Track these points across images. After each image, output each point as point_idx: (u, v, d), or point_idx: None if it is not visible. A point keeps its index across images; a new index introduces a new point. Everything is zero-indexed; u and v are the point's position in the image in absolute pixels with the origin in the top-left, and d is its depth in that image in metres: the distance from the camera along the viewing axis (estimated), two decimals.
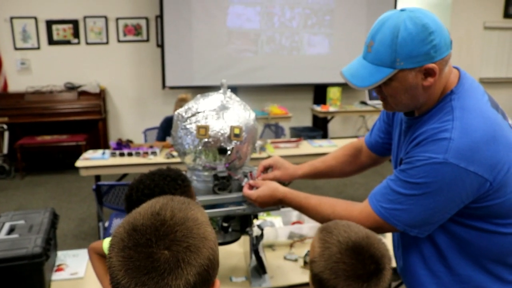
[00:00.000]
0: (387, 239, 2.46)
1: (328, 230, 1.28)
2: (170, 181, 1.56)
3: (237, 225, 1.99)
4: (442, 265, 1.51)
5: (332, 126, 8.06)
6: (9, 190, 6.02)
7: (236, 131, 1.82)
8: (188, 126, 1.85)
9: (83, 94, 6.84)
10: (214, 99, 1.90)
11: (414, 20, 1.33)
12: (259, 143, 4.55)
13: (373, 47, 1.39)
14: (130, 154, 4.34)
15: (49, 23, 6.90)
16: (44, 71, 6.97)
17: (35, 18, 6.84)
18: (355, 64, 1.46)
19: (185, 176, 1.63)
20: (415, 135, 1.45)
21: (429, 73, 1.36)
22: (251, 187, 1.83)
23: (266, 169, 1.95)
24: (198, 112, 1.85)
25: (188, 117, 1.86)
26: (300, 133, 6.69)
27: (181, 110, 1.91)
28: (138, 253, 0.80)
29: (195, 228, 0.86)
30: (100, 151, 4.55)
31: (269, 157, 4.37)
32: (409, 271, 1.62)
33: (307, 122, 8.01)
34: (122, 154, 4.35)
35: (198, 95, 1.95)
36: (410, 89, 1.39)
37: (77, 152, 5.61)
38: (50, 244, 2.10)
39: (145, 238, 0.81)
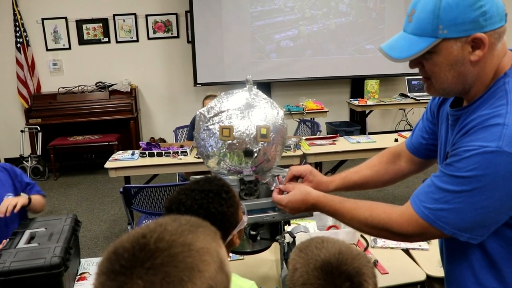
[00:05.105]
0: (432, 245, 2.30)
1: (300, 249, 1.17)
2: (213, 197, 1.38)
3: (266, 232, 1.84)
4: (495, 279, 1.29)
5: (370, 121, 7.87)
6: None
7: (263, 131, 1.66)
8: (210, 127, 1.71)
9: (114, 93, 6.91)
10: (238, 97, 1.75)
11: None
12: (293, 140, 4.44)
13: (414, 16, 1.24)
14: (159, 154, 4.24)
15: (79, 23, 6.97)
16: (75, 71, 7.05)
17: (66, 19, 6.92)
18: (395, 38, 1.31)
19: (228, 186, 1.45)
20: (463, 125, 1.26)
21: (477, 44, 1.19)
22: (281, 192, 1.67)
23: (296, 178, 1.77)
24: (222, 112, 1.71)
25: (211, 117, 1.73)
26: (336, 128, 6.56)
27: (203, 110, 1.77)
28: (111, 281, 0.70)
29: (183, 256, 0.72)
30: (129, 152, 4.50)
31: (303, 155, 4.31)
32: (455, 284, 1.42)
33: (344, 116, 7.85)
34: (151, 155, 4.25)
35: (222, 93, 1.80)
36: (456, 65, 1.22)
37: (109, 152, 5.60)
38: (70, 253, 2.05)
39: (120, 264, 0.70)
